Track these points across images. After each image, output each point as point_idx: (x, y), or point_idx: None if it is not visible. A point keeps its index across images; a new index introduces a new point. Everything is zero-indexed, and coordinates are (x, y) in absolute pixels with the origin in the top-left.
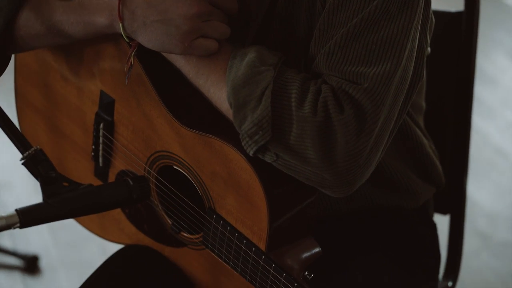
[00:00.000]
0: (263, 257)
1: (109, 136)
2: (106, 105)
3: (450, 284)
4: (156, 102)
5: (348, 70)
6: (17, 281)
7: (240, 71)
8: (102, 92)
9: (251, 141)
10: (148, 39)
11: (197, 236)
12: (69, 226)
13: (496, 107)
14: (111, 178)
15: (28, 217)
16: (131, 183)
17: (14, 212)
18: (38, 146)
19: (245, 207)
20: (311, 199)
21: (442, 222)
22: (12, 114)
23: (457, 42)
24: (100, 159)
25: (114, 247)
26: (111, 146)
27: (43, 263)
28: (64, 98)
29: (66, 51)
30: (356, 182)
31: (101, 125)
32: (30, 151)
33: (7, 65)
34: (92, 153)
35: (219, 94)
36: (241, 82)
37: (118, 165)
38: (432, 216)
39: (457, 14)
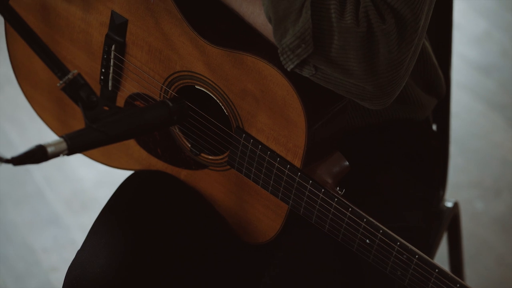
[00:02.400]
0: (299, 173)
1: (122, 58)
2: (118, 26)
3: (441, 193)
4: (178, 20)
5: None
6: None
7: None
8: (113, 13)
9: (292, 54)
10: None
11: (221, 156)
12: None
13: None
14: (119, 102)
15: (75, 143)
16: (170, 104)
17: (61, 139)
18: (75, 70)
19: (279, 124)
20: (342, 104)
21: None
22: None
23: None
24: (110, 83)
25: (58, 172)
26: (122, 68)
27: None
28: (66, 21)
29: None
30: (395, 93)
31: (113, 47)
32: (69, 76)
33: None
34: (102, 77)
35: (252, 9)
36: None
37: (129, 88)
38: (432, 127)
39: None
